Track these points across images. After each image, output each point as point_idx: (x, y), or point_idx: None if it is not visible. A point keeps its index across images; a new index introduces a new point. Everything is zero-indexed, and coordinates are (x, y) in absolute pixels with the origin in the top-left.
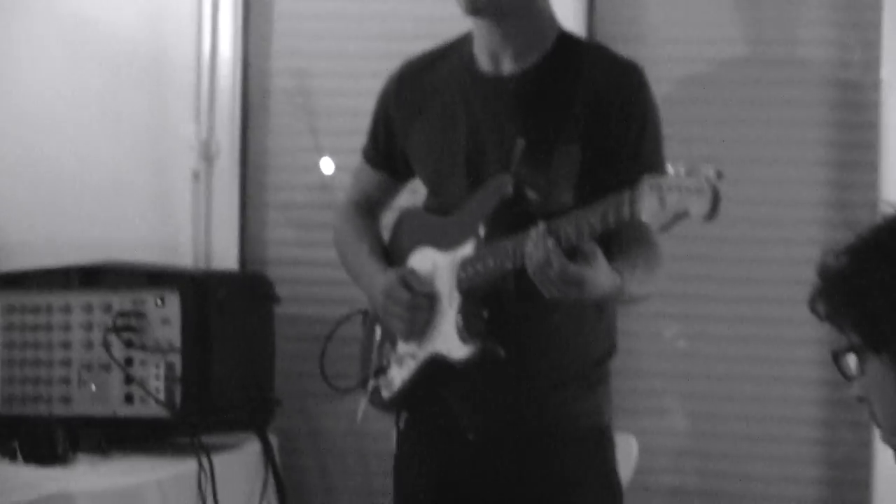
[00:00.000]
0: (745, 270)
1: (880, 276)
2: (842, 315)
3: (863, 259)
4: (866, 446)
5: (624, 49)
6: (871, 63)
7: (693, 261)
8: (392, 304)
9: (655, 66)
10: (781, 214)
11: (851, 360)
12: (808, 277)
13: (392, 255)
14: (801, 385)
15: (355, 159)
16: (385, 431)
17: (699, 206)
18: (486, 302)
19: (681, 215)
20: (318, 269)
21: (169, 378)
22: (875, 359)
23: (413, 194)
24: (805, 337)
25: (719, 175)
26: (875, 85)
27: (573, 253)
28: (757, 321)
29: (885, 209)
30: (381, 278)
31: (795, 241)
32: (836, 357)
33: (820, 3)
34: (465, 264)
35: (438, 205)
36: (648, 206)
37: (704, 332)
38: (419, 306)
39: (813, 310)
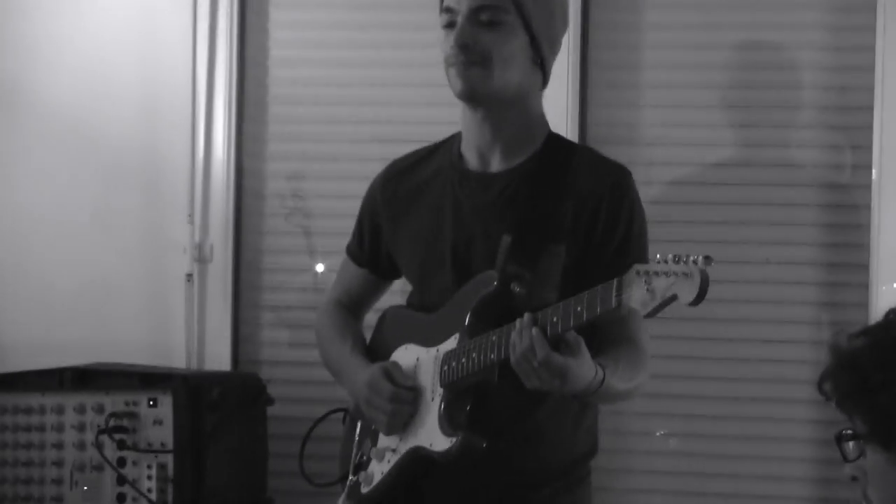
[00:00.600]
0: (736, 370)
1: (889, 375)
2: (852, 401)
3: (881, 350)
4: None
5: (617, 151)
6: (862, 165)
7: (684, 360)
8: (375, 396)
9: (648, 168)
10: (773, 314)
11: (852, 443)
12: (799, 377)
13: (375, 352)
14: (794, 484)
15: None
16: None
17: (688, 291)
18: (469, 395)
19: (669, 300)
20: (311, 370)
21: (161, 479)
22: (879, 450)
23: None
24: (797, 436)
25: (708, 260)
26: (866, 187)
27: (557, 344)
28: (749, 420)
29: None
30: (364, 372)
31: (787, 342)
32: (839, 440)
33: (811, 105)
34: (448, 358)
35: (423, 302)
36: (636, 292)
37: (696, 430)
38: (402, 399)
39: (820, 388)
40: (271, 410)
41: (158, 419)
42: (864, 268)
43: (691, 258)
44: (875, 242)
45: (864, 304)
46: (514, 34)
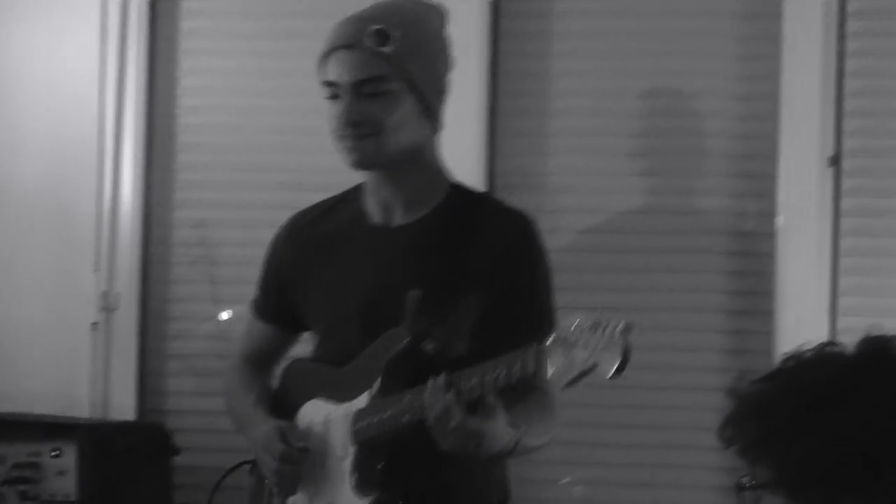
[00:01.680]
0: (641, 417)
1: (810, 423)
2: (759, 450)
3: (792, 399)
4: None
5: (524, 199)
6: (767, 213)
7: (590, 407)
8: (266, 455)
9: (557, 215)
10: (679, 361)
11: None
12: (705, 423)
13: (280, 406)
14: None
15: None
16: None
17: (608, 363)
18: (381, 454)
19: (589, 371)
20: (218, 419)
21: None
22: (776, 496)
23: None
24: (701, 483)
25: (628, 328)
26: (770, 235)
27: (474, 407)
28: (656, 467)
29: (804, 349)
30: (262, 429)
31: (693, 388)
32: (740, 489)
33: (717, 153)
34: (359, 416)
35: (331, 356)
36: (555, 362)
37: (601, 479)
38: (291, 459)
39: (721, 433)
40: (177, 460)
41: (62, 470)
42: (768, 315)
43: (611, 328)
44: (779, 290)
45: (768, 352)
46: (401, 100)
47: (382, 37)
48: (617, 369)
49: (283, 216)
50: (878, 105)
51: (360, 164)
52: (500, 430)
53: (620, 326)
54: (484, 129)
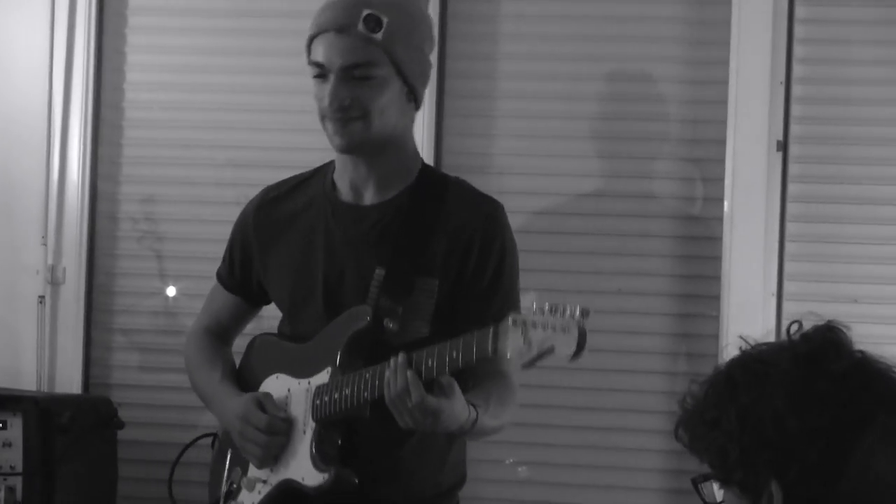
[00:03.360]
0: (588, 399)
1: (726, 409)
2: (698, 443)
3: (716, 391)
4: None
5: (471, 179)
6: (715, 198)
7: (536, 390)
8: (248, 427)
9: (502, 196)
10: (627, 344)
11: (710, 487)
12: (652, 406)
13: (244, 379)
14: None
15: (199, 285)
16: None
17: (565, 346)
18: (340, 429)
19: (546, 353)
20: (162, 394)
21: (9, 502)
22: (727, 489)
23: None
24: (643, 466)
25: (585, 313)
26: (718, 219)
27: (431, 385)
28: (600, 450)
29: (738, 342)
30: (235, 403)
31: (641, 371)
32: (695, 484)
33: (665, 138)
34: (320, 392)
35: (294, 332)
36: (512, 343)
37: (546, 460)
38: (277, 430)
39: (676, 437)
40: (121, 434)
41: (8, 442)
42: (715, 299)
43: (569, 311)
44: (727, 274)
45: (715, 336)
46: (388, 84)
47: (375, 22)
48: (574, 352)
49: (229, 193)
50: (825, 92)
51: (347, 147)
52: (457, 408)
53: (578, 310)
54: (432, 110)
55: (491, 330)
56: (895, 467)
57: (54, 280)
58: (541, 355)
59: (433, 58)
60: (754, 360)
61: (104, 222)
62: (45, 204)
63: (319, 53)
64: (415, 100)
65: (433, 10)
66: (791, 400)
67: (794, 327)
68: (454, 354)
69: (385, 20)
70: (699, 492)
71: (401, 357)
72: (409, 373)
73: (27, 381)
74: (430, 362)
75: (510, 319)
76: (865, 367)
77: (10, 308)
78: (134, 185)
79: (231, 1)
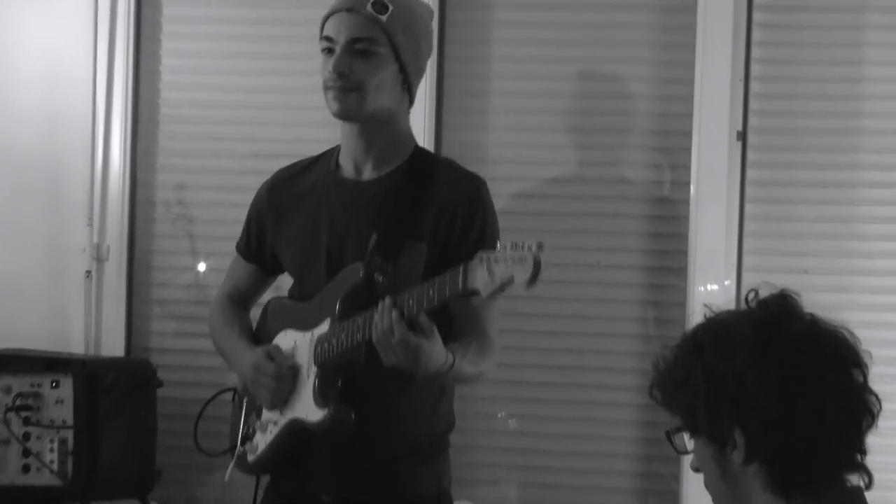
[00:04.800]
0: (568, 360)
1: (694, 370)
2: (669, 401)
3: (684, 353)
4: None
5: (469, 167)
6: (682, 182)
7: (523, 351)
8: (259, 375)
9: (494, 182)
10: (603, 312)
11: (682, 438)
12: (623, 366)
13: (260, 337)
14: (618, 460)
15: (226, 261)
16: (250, 499)
17: (522, 274)
18: (340, 373)
19: (507, 283)
20: (194, 357)
21: (62, 451)
22: (696, 438)
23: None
24: (619, 418)
25: (540, 246)
26: (684, 202)
27: (413, 326)
28: (579, 404)
29: (706, 311)
30: (250, 354)
31: (613, 336)
32: (668, 436)
33: (638, 129)
34: (321, 340)
35: (302, 294)
36: (479, 276)
37: (532, 413)
38: (283, 376)
39: (650, 395)
40: (160, 392)
41: (60, 399)
42: (682, 271)
43: (526, 245)
44: (692, 249)
45: (682, 304)
46: (385, 64)
47: (381, 6)
48: (529, 279)
49: (251, 180)
50: (780, 88)
51: (342, 113)
52: (436, 349)
53: (535, 244)
54: (433, 107)
55: (462, 267)
56: (842, 416)
57: (99, 257)
58: (503, 286)
59: (431, 63)
60: (717, 325)
61: (143, 206)
62: (91, 190)
63: (330, 28)
64: (408, 90)
65: (434, 18)
66: (751, 359)
67: (752, 295)
68: (430, 293)
69: (391, 7)
70: (672, 442)
71: (387, 300)
72: (393, 312)
73: (76, 345)
74: (410, 302)
75: (477, 257)
76: (815, 329)
77: (61, 282)
78: (168, 173)
79: (253, 10)
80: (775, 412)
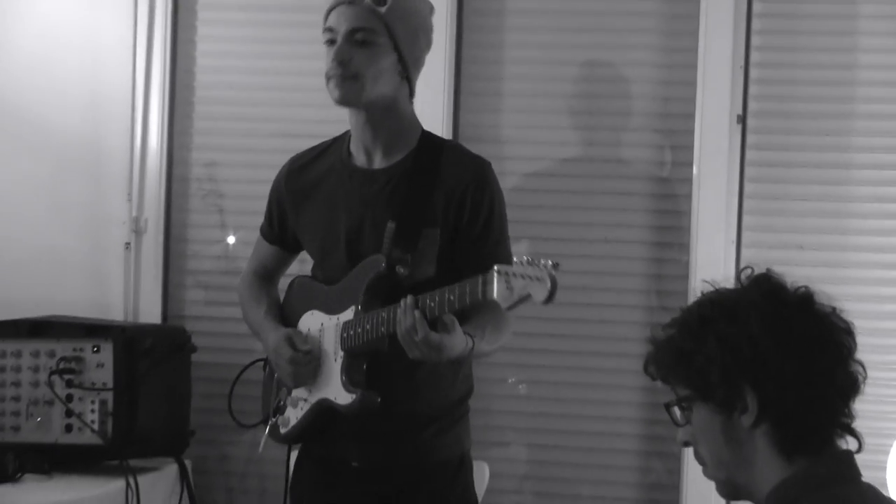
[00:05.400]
0: (576, 329)
1: (704, 339)
2: (673, 374)
3: (689, 327)
4: (674, 474)
5: (485, 147)
6: (684, 163)
7: (533, 321)
8: (278, 358)
9: (509, 161)
10: (608, 283)
11: (677, 412)
12: (627, 335)
13: (286, 313)
14: (622, 423)
15: (253, 234)
16: (280, 459)
17: (540, 293)
18: (365, 357)
19: (525, 298)
20: (225, 324)
21: (102, 412)
22: (702, 407)
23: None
24: (623, 384)
25: (556, 266)
26: (687, 181)
27: (435, 323)
28: (585, 371)
29: (703, 287)
30: (273, 336)
31: (618, 306)
32: (668, 408)
33: (644, 113)
34: (347, 327)
35: (324, 275)
36: (498, 289)
37: (542, 379)
38: (298, 361)
39: (646, 371)
40: (194, 357)
41: (100, 363)
42: (684, 246)
43: (542, 263)
44: (694, 226)
45: (685, 277)
46: (384, 53)
47: None
48: (546, 298)
49: (278, 159)
50: (778, 74)
51: (342, 100)
52: (456, 341)
53: (550, 263)
54: (451, 91)
55: (480, 279)
56: (848, 378)
57: (138, 230)
58: (521, 300)
59: (450, 50)
60: (721, 298)
61: (178, 182)
62: (130, 167)
63: (332, 20)
64: (408, 80)
65: (451, 9)
66: (764, 324)
67: (747, 272)
68: (451, 298)
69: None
70: (670, 413)
71: (409, 299)
72: (415, 312)
73: (116, 313)
74: (432, 304)
75: (496, 270)
76: (812, 298)
77: (102, 253)
78: (201, 151)
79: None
80: (790, 373)
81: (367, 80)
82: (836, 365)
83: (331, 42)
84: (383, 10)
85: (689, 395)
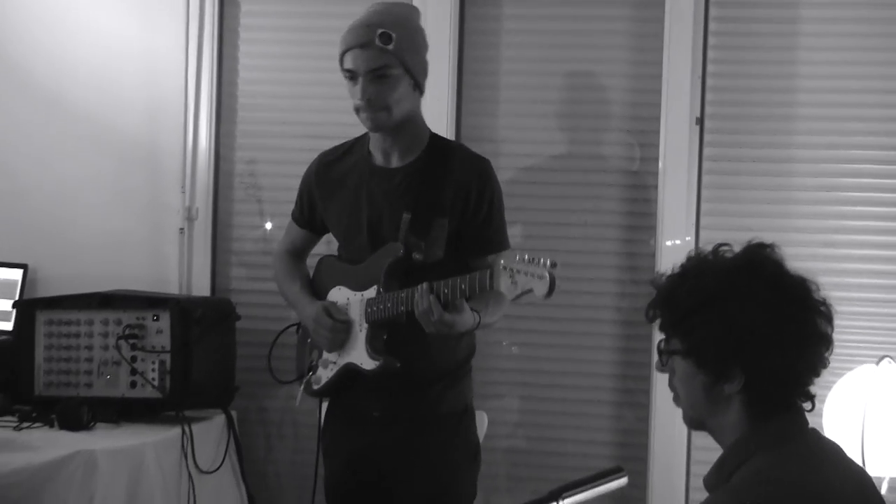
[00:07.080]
0: (560, 300)
1: (709, 315)
2: (670, 329)
3: (698, 296)
4: (643, 421)
5: (484, 146)
6: (651, 158)
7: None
8: (319, 327)
9: (505, 158)
10: (587, 261)
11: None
12: (603, 304)
13: (316, 287)
14: (599, 378)
15: (287, 221)
16: (311, 410)
17: (541, 288)
18: (385, 329)
19: (527, 293)
20: (264, 296)
21: (161, 371)
22: (684, 361)
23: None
24: (599, 345)
25: (554, 265)
26: (654, 174)
27: (447, 305)
28: (568, 335)
29: (704, 249)
30: (311, 308)
31: (595, 280)
32: (659, 352)
33: (615, 115)
34: (370, 303)
35: (348, 256)
36: (504, 282)
37: (532, 342)
38: (337, 329)
39: (647, 315)
40: (238, 324)
41: (160, 329)
42: (651, 229)
43: (542, 261)
44: (660, 212)
45: (651, 254)
46: (400, 81)
47: (387, 38)
48: (546, 294)
49: (307, 157)
50: (732, 83)
51: (376, 129)
52: (466, 318)
53: (550, 261)
54: (454, 97)
55: (488, 272)
56: (825, 362)
57: (190, 217)
58: (523, 293)
59: (453, 61)
60: (732, 276)
61: (224, 177)
62: (183, 163)
63: (349, 62)
64: (419, 88)
65: (454, 22)
66: (767, 316)
67: (725, 248)
68: (462, 286)
69: (394, 35)
70: (660, 359)
71: (425, 285)
72: (431, 297)
73: (171, 287)
74: (445, 290)
75: (501, 265)
76: (811, 294)
77: (160, 236)
78: (244, 150)
79: (315, 21)
80: (780, 362)
81: (394, 107)
82: (821, 353)
83: (352, 78)
84: (391, 47)
85: (681, 351)
